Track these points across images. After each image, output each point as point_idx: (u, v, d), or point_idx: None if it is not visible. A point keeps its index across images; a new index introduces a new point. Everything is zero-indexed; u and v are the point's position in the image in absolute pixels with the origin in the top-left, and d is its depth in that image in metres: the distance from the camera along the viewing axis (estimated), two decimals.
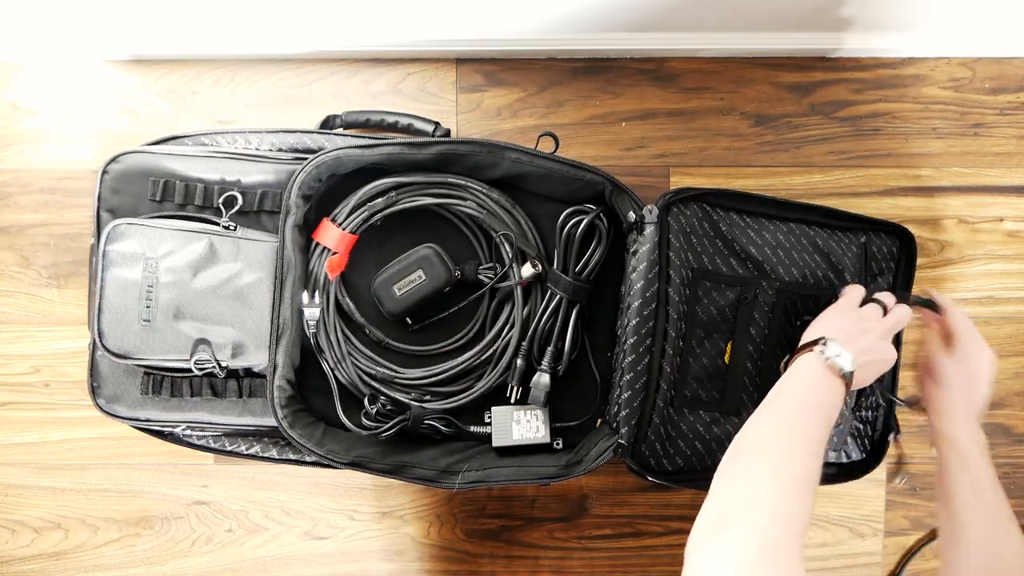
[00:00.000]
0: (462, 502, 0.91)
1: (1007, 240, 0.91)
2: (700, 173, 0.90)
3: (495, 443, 0.82)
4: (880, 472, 0.91)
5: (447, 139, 0.80)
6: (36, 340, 0.90)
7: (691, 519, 0.92)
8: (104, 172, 0.80)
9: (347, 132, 0.84)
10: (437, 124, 0.85)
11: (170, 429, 0.83)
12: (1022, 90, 0.90)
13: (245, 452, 0.84)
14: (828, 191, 0.90)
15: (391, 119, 0.85)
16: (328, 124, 0.86)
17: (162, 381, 0.80)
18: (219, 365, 0.78)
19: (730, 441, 0.77)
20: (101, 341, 0.77)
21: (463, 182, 0.82)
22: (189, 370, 0.79)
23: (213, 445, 0.84)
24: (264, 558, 0.91)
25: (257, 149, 0.82)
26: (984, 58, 0.89)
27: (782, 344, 0.80)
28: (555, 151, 0.80)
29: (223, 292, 0.79)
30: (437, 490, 0.90)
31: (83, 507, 0.91)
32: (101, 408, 0.81)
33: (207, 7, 0.79)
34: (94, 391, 0.81)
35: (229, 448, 0.84)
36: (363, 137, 0.82)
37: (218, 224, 0.79)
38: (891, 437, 0.83)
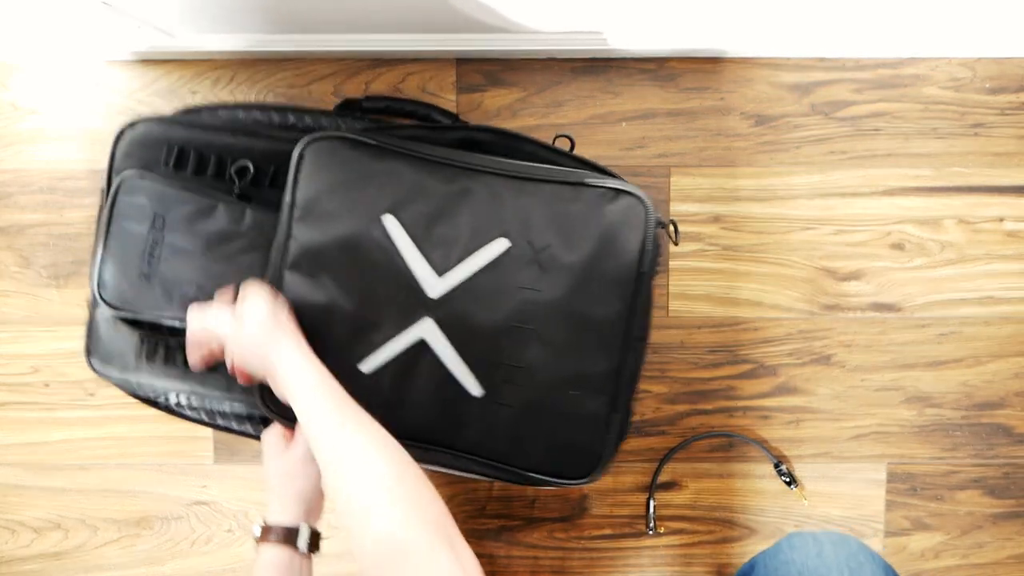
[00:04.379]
0: (462, 502, 0.91)
1: (1007, 240, 0.91)
2: (700, 173, 0.90)
3: None
4: (880, 472, 0.91)
5: (466, 125, 0.78)
6: (36, 340, 0.90)
7: (691, 519, 0.92)
8: (119, 136, 0.79)
9: (365, 117, 0.83)
10: (456, 116, 0.83)
11: (162, 398, 0.82)
12: (1022, 90, 0.90)
13: (236, 429, 0.82)
14: (828, 191, 0.90)
15: (410, 107, 0.83)
16: (347, 107, 0.83)
17: (156, 346, 0.80)
18: None
19: None
20: (99, 291, 0.77)
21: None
22: (182, 331, 0.78)
23: (204, 419, 0.83)
24: None
25: (271, 124, 0.81)
26: (984, 58, 0.89)
27: None
28: (571, 151, 0.79)
29: (224, 258, 0.78)
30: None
31: (83, 507, 0.91)
32: (94, 368, 0.80)
33: (209, 7, 0.79)
34: (89, 351, 0.81)
35: (220, 423, 0.82)
36: (379, 123, 0.81)
37: (230, 194, 0.79)
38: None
